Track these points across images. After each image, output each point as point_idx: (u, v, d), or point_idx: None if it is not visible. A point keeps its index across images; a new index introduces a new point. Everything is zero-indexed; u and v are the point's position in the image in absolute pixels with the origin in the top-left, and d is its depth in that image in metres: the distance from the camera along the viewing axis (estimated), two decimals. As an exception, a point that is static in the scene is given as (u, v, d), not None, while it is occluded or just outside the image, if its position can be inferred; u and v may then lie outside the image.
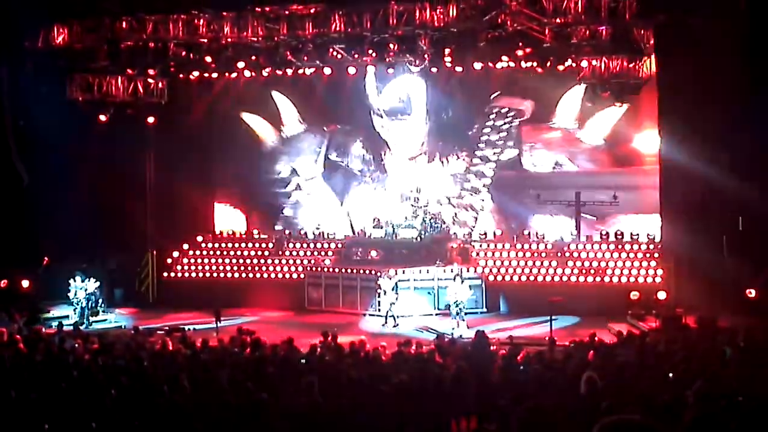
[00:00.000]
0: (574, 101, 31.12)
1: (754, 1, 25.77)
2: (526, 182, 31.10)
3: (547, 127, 31.30)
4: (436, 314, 29.74)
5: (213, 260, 35.22)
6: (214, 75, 33.03)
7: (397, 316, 28.55)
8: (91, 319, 28.88)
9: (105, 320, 29.41)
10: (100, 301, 29.79)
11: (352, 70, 31.19)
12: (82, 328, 26.33)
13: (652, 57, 27.44)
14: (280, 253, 35.05)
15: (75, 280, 28.95)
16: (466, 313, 27.42)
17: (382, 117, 32.22)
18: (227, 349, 19.06)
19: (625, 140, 31.56)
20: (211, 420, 11.46)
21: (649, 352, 17.58)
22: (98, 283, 29.60)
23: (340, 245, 34.61)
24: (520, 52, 28.34)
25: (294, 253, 35.09)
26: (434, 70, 31.18)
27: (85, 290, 28.93)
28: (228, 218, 36.17)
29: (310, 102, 34.54)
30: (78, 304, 28.85)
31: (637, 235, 31.56)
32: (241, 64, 30.54)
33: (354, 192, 34.33)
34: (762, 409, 10.65)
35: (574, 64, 28.89)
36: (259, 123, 35.00)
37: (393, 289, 28.72)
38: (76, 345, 19.53)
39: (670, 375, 14.06)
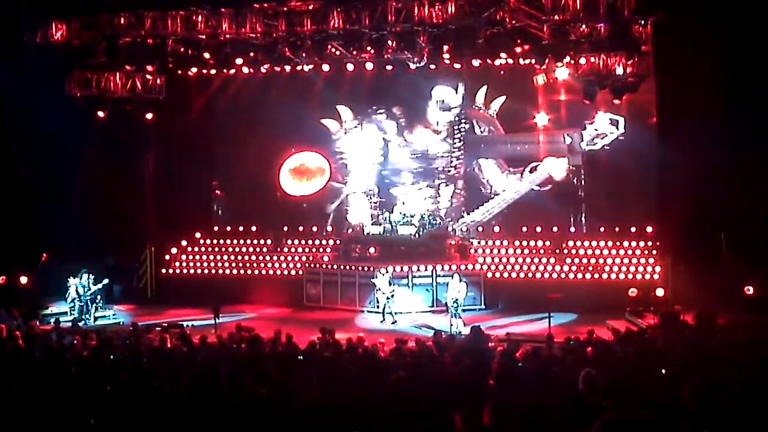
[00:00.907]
0: (482, 94, 34.85)
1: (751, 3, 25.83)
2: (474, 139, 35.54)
3: (475, 110, 35.32)
4: (434, 311, 29.76)
5: (211, 257, 35.29)
6: (213, 71, 33.05)
7: (395, 313, 28.57)
8: (95, 315, 28.91)
9: (104, 316, 29.40)
10: (99, 297, 29.74)
11: (350, 67, 31.19)
12: (80, 324, 26.36)
13: (651, 54, 27.48)
14: (279, 249, 35.10)
15: (80, 278, 28.93)
16: (464, 310, 27.44)
17: (449, 110, 35.54)
18: (226, 345, 19.07)
19: (515, 115, 34.76)
20: (210, 416, 11.47)
21: (647, 349, 17.60)
22: (107, 281, 29.61)
23: (338, 242, 34.66)
24: (518, 49, 28.35)
25: (292, 249, 35.15)
26: (432, 67, 31.20)
27: (87, 288, 28.92)
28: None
29: (359, 101, 35.79)
30: (76, 302, 28.79)
31: (635, 231, 31.75)
32: (239, 61, 30.48)
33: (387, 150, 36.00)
34: (760, 406, 10.67)
35: (572, 61, 28.91)
36: (332, 123, 36.18)
37: (389, 284, 28.75)
38: (75, 341, 19.52)
39: (664, 371, 14.07)
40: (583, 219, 33.64)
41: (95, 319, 28.68)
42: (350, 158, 36.28)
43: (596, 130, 32.75)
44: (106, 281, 29.52)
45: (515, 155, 34.74)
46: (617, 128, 32.59)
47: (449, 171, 34.84)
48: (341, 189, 36.58)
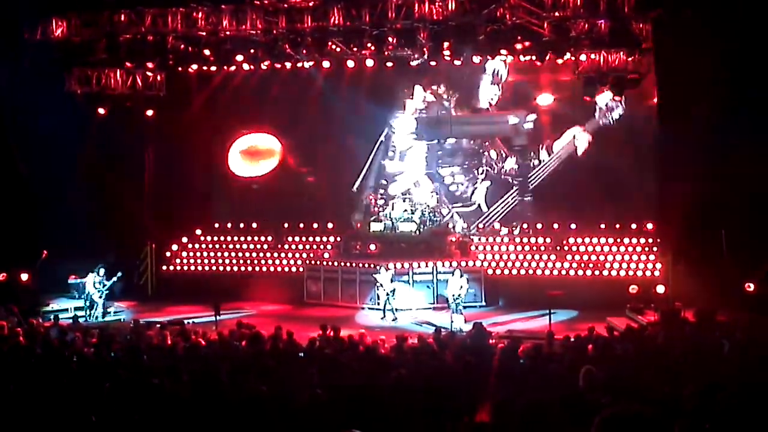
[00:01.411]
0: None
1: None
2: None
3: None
4: (435, 308, 29.77)
5: (212, 253, 35.27)
6: (213, 68, 33.04)
7: (396, 310, 28.58)
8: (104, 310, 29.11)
9: (108, 313, 29.40)
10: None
11: (350, 64, 31.19)
12: (81, 321, 26.34)
13: (651, 50, 27.48)
14: (279, 246, 35.10)
15: (97, 273, 29.00)
16: (464, 307, 27.47)
17: (499, 84, 34.90)
18: (226, 342, 19.08)
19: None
20: (210, 414, 11.48)
21: (647, 346, 17.62)
22: (120, 274, 29.74)
23: (338, 239, 34.64)
24: (518, 46, 28.33)
25: (293, 246, 35.14)
26: (433, 63, 31.21)
27: (102, 283, 28.99)
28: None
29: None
30: (92, 297, 28.87)
31: (636, 228, 31.78)
32: (239, 58, 30.49)
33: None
34: (759, 403, 10.67)
35: (572, 58, 28.92)
36: (409, 102, 35.78)
37: (391, 281, 28.78)
38: (76, 337, 19.54)
39: (664, 369, 14.08)
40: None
41: (104, 314, 28.82)
42: (414, 139, 36.16)
43: (606, 105, 32.75)
44: (119, 274, 29.59)
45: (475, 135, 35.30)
46: (621, 105, 32.63)
47: (483, 152, 35.16)
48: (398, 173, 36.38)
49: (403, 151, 35.98)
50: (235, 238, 35.72)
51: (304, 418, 11.36)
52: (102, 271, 29.10)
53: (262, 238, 35.51)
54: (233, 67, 32.73)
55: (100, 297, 28.92)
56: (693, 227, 27.61)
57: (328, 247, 34.78)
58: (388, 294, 28.62)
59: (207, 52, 29.85)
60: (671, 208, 29.18)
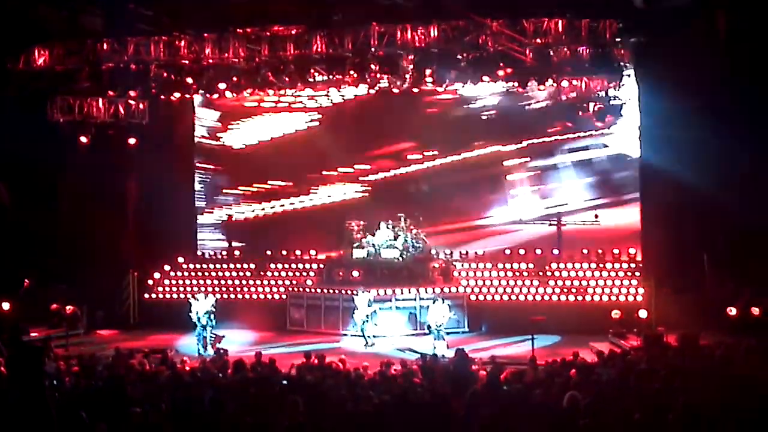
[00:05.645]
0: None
1: (732, 28, 26.06)
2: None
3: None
4: (417, 334, 29.69)
5: (194, 281, 35.07)
6: (196, 96, 33.03)
7: (372, 336, 28.48)
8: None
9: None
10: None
11: (333, 92, 31.26)
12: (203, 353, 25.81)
13: (632, 77, 27.70)
14: (262, 273, 34.99)
15: (198, 300, 27.94)
16: (447, 333, 27.40)
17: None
18: (209, 370, 19.00)
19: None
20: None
21: (630, 371, 17.63)
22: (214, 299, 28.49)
23: (321, 266, 34.57)
24: (501, 73, 28.47)
25: (276, 273, 35.03)
26: (415, 90, 31.31)
27: (207, 311, 27.47)
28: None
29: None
30: (206, 327, 27.40)
31: (618, 253, 31.87)
32: (222, 85, 30.52)
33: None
34: (742, 427, 10.71)
35: (554, 84, 29.07)
36: None
37: (368, 305, 28.66)
38: (60, 367, 19.40)
39: (651, 394, 14.10)
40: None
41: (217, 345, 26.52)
42: None
43: None
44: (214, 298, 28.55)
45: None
46: None
47: None
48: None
49: None
50: (218, 266, 35.62)
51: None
52: (201, 296, 28.21)
53: (245, 266, 35.41)
54: (216, 95, 32.76)
55: (213, 326, 27.58)
56: (675, 252, 27.72)
57: (311, 274, 34.70)
58: (363, 320, 28.51)
59: (190, 80, 29.87)
60: (653, 233, 29.33)
